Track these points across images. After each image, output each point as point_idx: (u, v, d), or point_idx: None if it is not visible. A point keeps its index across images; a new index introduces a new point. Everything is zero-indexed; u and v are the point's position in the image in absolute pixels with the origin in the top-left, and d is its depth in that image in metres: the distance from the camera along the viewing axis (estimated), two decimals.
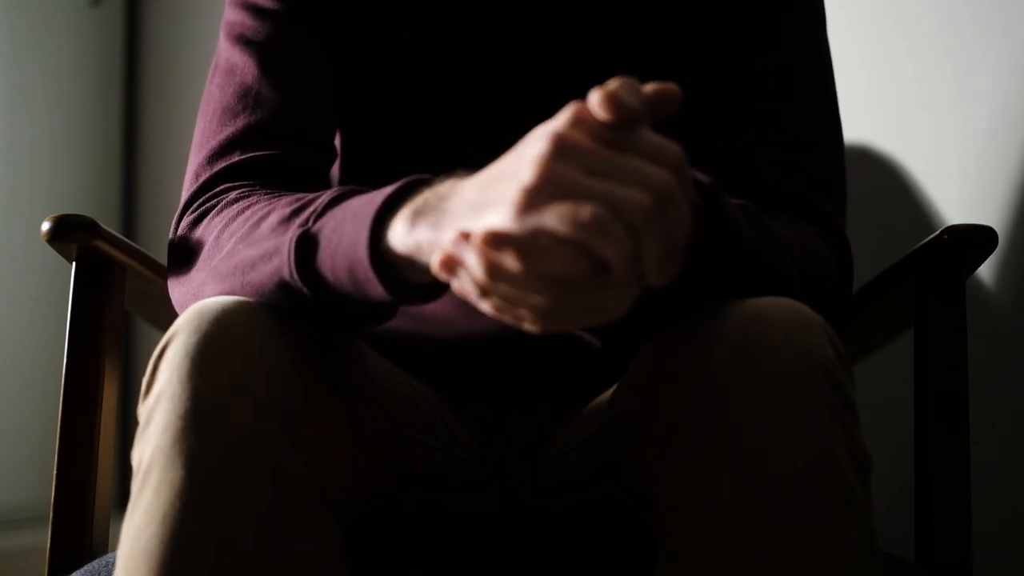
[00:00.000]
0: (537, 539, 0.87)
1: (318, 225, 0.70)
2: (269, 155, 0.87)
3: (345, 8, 0.92)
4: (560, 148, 0.57)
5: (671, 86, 0.60)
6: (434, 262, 0.60)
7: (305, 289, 0.70)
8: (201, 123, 0.90)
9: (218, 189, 0.85)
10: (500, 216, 0.57)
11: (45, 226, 0.92)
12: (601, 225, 0.55)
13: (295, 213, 0.73)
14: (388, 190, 0.67)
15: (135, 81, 2.06)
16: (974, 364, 0.92)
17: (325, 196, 0.73)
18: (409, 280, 0.67)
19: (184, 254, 0.82)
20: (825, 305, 0.79)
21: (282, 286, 0.72)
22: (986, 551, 1.11)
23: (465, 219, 0.60)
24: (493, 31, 0.93)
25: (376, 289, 0.67)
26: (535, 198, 0.56)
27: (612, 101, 0.58)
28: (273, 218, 0.75)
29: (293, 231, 0.71)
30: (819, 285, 0.83)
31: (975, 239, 0.88)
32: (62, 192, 1.91)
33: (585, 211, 0.55)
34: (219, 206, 0.82)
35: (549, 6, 0.94)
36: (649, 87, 0.60)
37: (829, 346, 0.68)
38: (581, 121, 0.58)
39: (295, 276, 0.70)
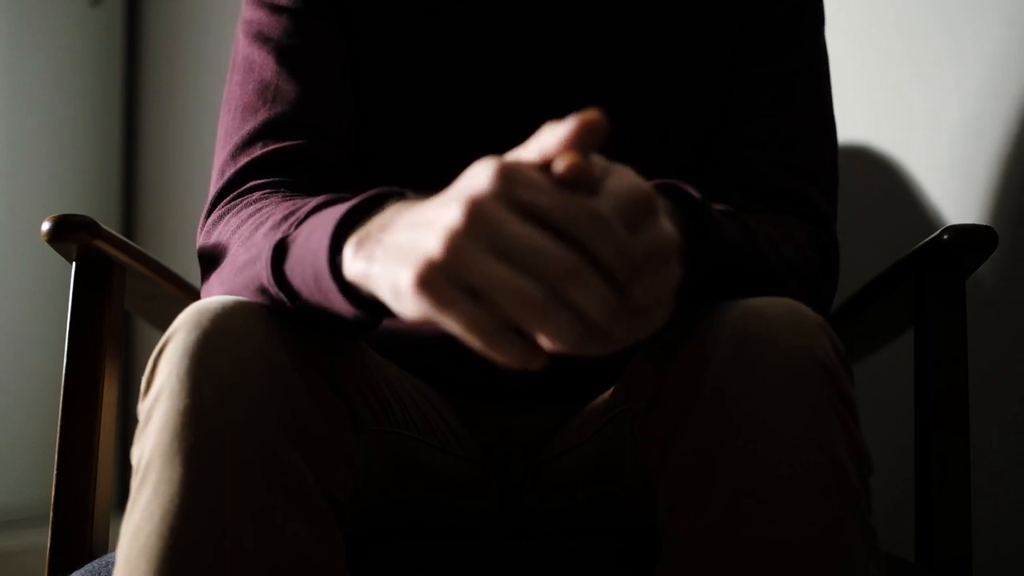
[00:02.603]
0: (537, 539, 0.87)
1: (295, 232, 0.70)
2: (291, 146, 0.87)
3: (358, 8, 0.93)
4: (472, 218, 0.53)
5: (593, 116, 0.55)
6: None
7: (281, 294, 0.70)
8: (224, 121, 0.91)
9: (244, 187, 0.86)
10: (405, 288, 0.55)
11: (45, 226, 0.92)
12: (489, 331, 0.53)
13: (284, 219, 0.74)
14: (351, 203, 0.65)
15: (135, 81, 2.06)
16: (974, 364, 0.93)
17: (312, 203, 0.72)
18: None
19: (207, 261, 0.83)
20: (811, 303, 0.80)
21: (262, 290, 0.72)
22: (986, 550, 1.11)
23: (392, 262, 0.57)
24: (505, 36, 0.94)
25: (339, 299, 0.65)
26: (435, 276, 0.54)
27: (572, 167, 0.54)
28: (269, 223, 0.75)
29: (275, 237, 0.71)
30: (807, 284, 0.83)
31: (975, 239, 0.88)
32: (62, 192, 1.91)
33: (478, 317, 0.53)
34: (240, 206, 0.83)
35: (561, 13, 0.94)
36: (571, 125, 0.55)
37: (829, 346, 0.68)
38: (506, 180, 0.54)
39: (271, 281, 0.70)
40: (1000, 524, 1.15)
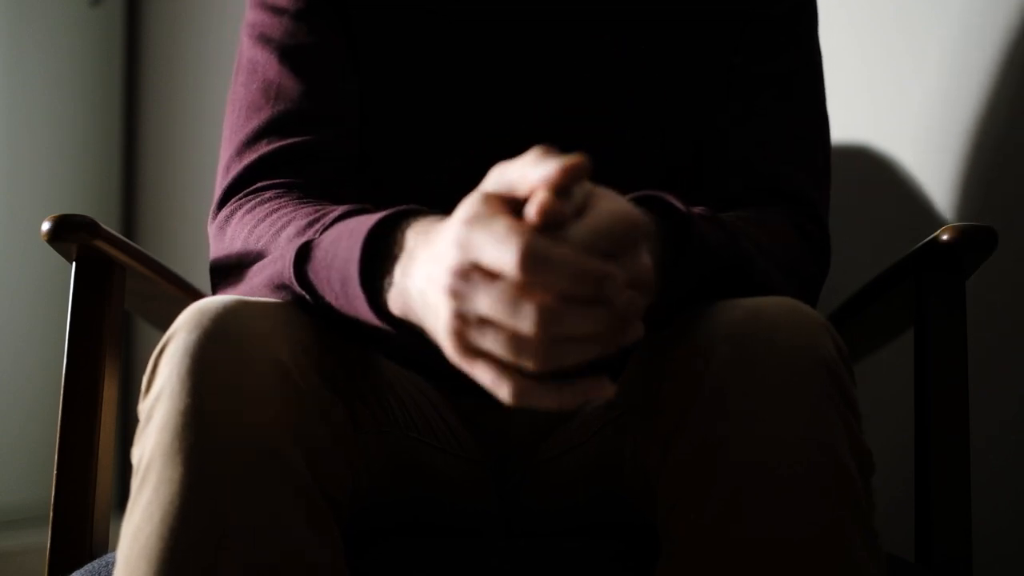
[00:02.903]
0: (537, 539, 0.87)
1: (320, 238, 0.72)
2: (296, 143, 0.88)
3: (357, 7, 0.93)
4: (454, 300, 0.58)
5: (579, 161, 0.59)
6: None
7: (303, 292, 0.72)
8: (229, 121, 0.92)
9: (252, 187, 0.87)
10: (445, 345, 0.60)
11: (45, 226, 0.92)
12: (523, 390, 0.58)
13: (310, 224, 0.76)
14: (378, 217, 0.68)
15: (135, 81, 2.06)
16: (974, 364, 0.92)
17: (337, 211, 0.75)
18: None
19: (224, 263, 0.84)
20: (806, 300, 0.80)
21: (282, 287, 0.74)
22: (986, 550, 1.11)
23: (422, 313, 0.63)
24: (504, 36, 0.94)
25: (364, 308, 0.68)
26: (458, 355, 0.59)
27: (545, 210, 0.58)
28: (292, 227, 0.77)
29: (300, 240, 0.74)
30: (804, 283, 0.84)
31: (975, 239, 0.88)
32: (62, 192, 1.91)
33: (504, 383, 0.58)
34: (251, 204, 0.84)
35: (560, 12, 0.94)
36: (556, 168, 0.58)
37: (831, 345, 0.68)
38: (470, 247, 0.58)
39: (292, 279, 0.72)
40: (1000, 524, 1.15)
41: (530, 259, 0.55)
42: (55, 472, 0.91)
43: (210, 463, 0.65)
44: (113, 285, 0.96)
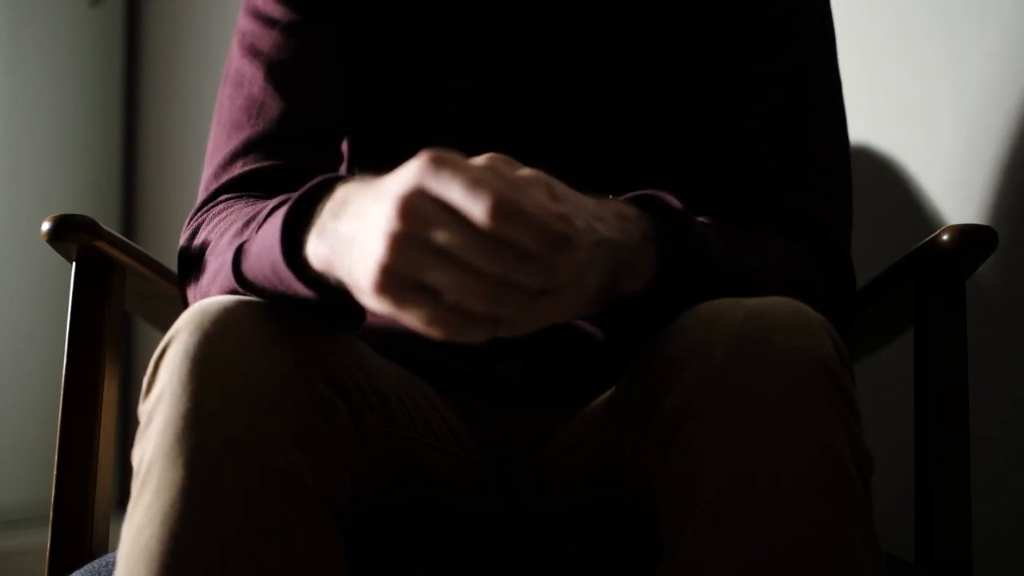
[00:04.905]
0: (537, 539, 0.87)
1: (255, 235, 0.73)
2: (269, 166, 0.89)
3: (357, 9, 0.93)
4: (406, 219, 0.57)
5: None
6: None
7: (250, 295, 0.73)
8: (213, 134, 0.93)
9: (217, 200, 0.88)
10: (365, 289, 0.58)
11: (45, 226, 0.92)
12: (455, 325, 0.57)
13: (246, 224, 0.77)
14: (296, 194, 0.68)
15: (135, 81, 2.06)
16: (974, 364, 0.92)
17: (271, 204, 0.75)
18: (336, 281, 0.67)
19: (184, 275, 0.86)
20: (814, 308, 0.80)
21: (233, 292, 0.75)
22: (986, 550, 1.11)
23: (345, 258, 0.61)
24: (504, 37, 0.94)
25: (298, 285, 0.68)
26: (389, 282, 0.57)
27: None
28: (232, 230, 0.78)
29: (238, 242, 0.75)
30: (802, 289, 0.83)
31: (975, 239, 0.88)
32: (62, 192, 1.91)
33: (436, 313, 0.57)
34: (209, 216, 0.86)
35: (561, 13, 0.94)
36: None
37: (831, 345, 0.68)
38: (429, 174, 0.58)
39: (235, 284, 0.73)
40: (1000, 524, 1.15)
41: (502, 208, 0.56)
42: (55, 472, 0.91)
43: (211, 467, 0.65)
44: (113, 285, 0.96)
